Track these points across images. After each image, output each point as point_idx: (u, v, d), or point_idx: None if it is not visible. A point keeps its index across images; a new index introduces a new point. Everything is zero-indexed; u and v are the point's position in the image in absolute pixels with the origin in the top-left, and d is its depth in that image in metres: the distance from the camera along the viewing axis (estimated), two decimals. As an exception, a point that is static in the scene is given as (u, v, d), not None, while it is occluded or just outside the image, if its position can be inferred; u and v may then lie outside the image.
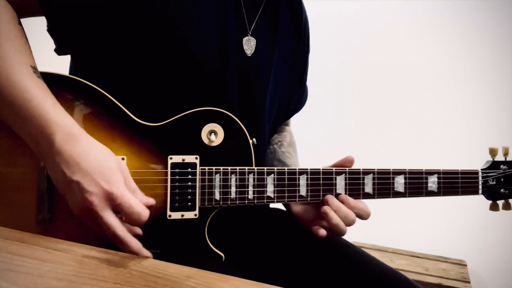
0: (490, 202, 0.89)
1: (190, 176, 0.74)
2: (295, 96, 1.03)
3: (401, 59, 2.19)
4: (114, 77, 0.77)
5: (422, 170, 0.83)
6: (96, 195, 0.60)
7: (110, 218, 0.61)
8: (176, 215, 0.73)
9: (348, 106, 2.28)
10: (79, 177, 0.60)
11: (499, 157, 0.88)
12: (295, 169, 0.79)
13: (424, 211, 2.08)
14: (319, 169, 0.80)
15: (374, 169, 0.81)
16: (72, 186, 0.61)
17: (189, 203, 0.74)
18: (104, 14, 0.73)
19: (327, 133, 2.28)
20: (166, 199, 0.73)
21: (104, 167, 0.62)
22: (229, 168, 0.75)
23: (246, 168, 0.76)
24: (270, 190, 0.77)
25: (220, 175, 0.75)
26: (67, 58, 0.83)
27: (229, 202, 0.75)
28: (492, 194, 0.88)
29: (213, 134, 0.75)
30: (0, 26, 0.68)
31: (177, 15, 0.75)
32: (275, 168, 0.78)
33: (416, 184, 0.82)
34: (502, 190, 0.88)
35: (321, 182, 0.79)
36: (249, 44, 0.83)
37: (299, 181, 0.79)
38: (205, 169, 0.74)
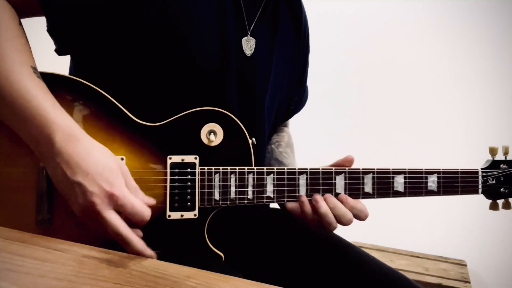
0: (490, 201, 0.89)
1: (189, 176, 0.74)
2: (295, 97, 1.03)
3: (401, 59, 2.19)
4: (114, 77, 0.77)
5: (422, 169, 0.83)
6: (98, 196, 0.60)
7: (114, 218, 0.61)
8: (175, 215, 0.73)
9: (348, 107, 2.28)
10: (81, 178, 0.60)
11: (499, 156, 0.88)
12: (295, 169, 0.78)
13: (424, 211, 2.08)
14: (319, 168, 0.80)
15: (374, 169, 0.81)
16: (74, 187, 0.61)
17: (189, 203, 0.74)
18: (104, 14, 0.73)
19: (327, 134, 2.28)
20: (165, 199, 0.73)
21: (104, 168, 0.62)
22: (229, 168, 0.75)
23: (246, 168, 0.76)
24: (269, 190, 0.77)
25: (219, 175, 0.75)
26: (67, 58, 0.84)
27: (228, 202, 0.75)
28: (492, 193, 0.88)
29: (212, 134, 0.75)
30: (0, 26, 0.68)
31: (177, 15, 0.75)
32: (275, 168, 0.78)
33: (416, 183, 0.82)
34: (502, 190, 0.87)
35: (320, 182, 0.79)
36: (248, 44, 0.83)
37: (298, 181, 0.79)
38: (204, 169, 0.74)
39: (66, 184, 0.62)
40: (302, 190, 0.79)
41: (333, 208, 0.77)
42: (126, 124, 0.72)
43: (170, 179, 0.73)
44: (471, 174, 0.86)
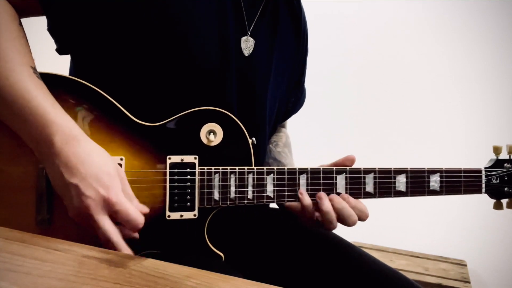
0: (492, 201, 0.88)
1: (189, 176, 0.74)
2: (292, 98, 1.02)
3: (400, 59, 2.19)
4: (113, 77, 0.77)
5: (424, 169, 0.82)
6: (93, 200, 0.60)
7: (106, 224, 0.61)
8: (175, 215, 0.73)
9: (347, 107, 2.28)
10: (77, 181, 0.60)
11: (503, 155, 0.87)
12: (295, 168, 0.78)
13: (424, 211, 2.08)
14: (319, 168, 0.79)
15: (375, 168, 0.80)
16: (70, 189, 0.61)
17: (188, 203, 0.74)
18: (104, 14, 0.73)
19: (326, 134, 2.28)
20: (165, 199, 0.73)
21: (103, 172, 0.62)
22: (228, 168, 0.75)
23: (246, 168, 0.76)
24: (269, 190, 0.77)
25: (219, 175, 0.75)
26: (67, 58, 0.83)
27: (228, 202, 0.75)
28: (495, 192, 0.87)
29: (212, 134, 0.75)
30: (0, 27, 0.68)
31: (177, 15, 0.75)
32: (275, 167, 0.78)
33: (418, 183, 0.82)
34: (506, 189, 0.86)
35: (321, 181, 0.79)
36: (247, 44, 0.83)
37: (299, 180, 0.78)
38: (204, 169, 0.74)
39: (63, 185, 0.62)
40: (303, 190, 0.78)
41: (341, 209, 0.76)
42: (126, 124, 0.72)
43: (169, 179, 0.73)
44: (474, 173, 0.85)
